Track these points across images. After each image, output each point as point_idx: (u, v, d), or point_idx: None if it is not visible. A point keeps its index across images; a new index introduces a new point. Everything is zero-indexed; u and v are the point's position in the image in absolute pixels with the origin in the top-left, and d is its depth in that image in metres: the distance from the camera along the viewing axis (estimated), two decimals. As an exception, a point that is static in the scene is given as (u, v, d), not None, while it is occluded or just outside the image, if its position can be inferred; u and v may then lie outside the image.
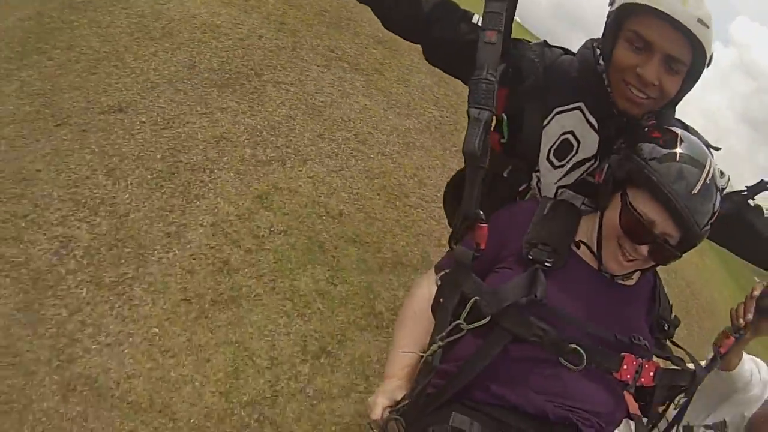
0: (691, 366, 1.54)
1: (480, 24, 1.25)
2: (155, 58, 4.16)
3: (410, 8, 1.48)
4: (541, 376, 1.30)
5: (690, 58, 1.32)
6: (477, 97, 1.18)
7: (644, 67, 1.32)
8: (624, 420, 1.44)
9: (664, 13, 1.25)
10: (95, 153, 3.34)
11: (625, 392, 1.42)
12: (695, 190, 1.26)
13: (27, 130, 3.41)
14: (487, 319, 1.25)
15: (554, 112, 1.50)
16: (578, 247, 1.44)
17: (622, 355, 1.33)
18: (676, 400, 1.51)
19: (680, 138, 1.32)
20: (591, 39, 1.51)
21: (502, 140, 1.52)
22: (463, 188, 1.26)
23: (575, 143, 1.50)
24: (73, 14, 4.43)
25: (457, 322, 1.26)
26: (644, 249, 1.33)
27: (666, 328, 1.50)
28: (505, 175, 1.63)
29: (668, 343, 1.53)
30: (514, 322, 1.28)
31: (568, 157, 1.52)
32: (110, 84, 3.85)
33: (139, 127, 3.60)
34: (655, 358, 1.42)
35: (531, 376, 1.30)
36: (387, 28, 1.56)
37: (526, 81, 1.47)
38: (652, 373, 1.36)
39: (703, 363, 1.57)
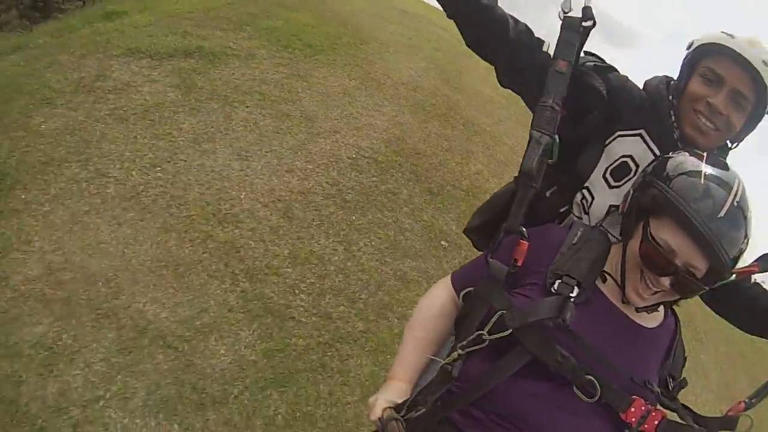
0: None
1: (552, 52, 1.34)
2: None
3: (499, 33, 1.49)
4: (547, 412, 1.28)
5: (754, 96, 1.46)
6: (541, 122, 1.28)
7: (715, 97, 1.45)
8: None
9: (735, 51, 1.42)
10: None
11: None
12: (721, 213, 1.19)
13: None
14: (509, 331, 1.24)
15: (616, 135, 1.56)
16: (604, 281, 1.39)
17: (632, 398, 1.29)
18: None
19: (707, 157, 1.29)
20: (664, 75, 1.64)
21: (549, 161, 1.53)
22: (501, 210, 1.36)
23: (633, 167, 1.55)
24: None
25: (480, 332, 1.26)
26: (666, 281, 1.27)
27: (670, 387, 1.44)
28: (547, 195, 1.66)
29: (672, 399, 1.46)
30: (537, 343, 1.26)
31: (625, 179, 1.57)
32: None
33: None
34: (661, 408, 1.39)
35: (537, 412, 1.28)
36: (469, 46, 1.57)
37: (591, 112, 1.54)
38: (656, 422, 1.30)
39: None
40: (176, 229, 3.49)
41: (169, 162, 3.94)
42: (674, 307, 1.48)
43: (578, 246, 1.39)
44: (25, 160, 3.59)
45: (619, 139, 1.56)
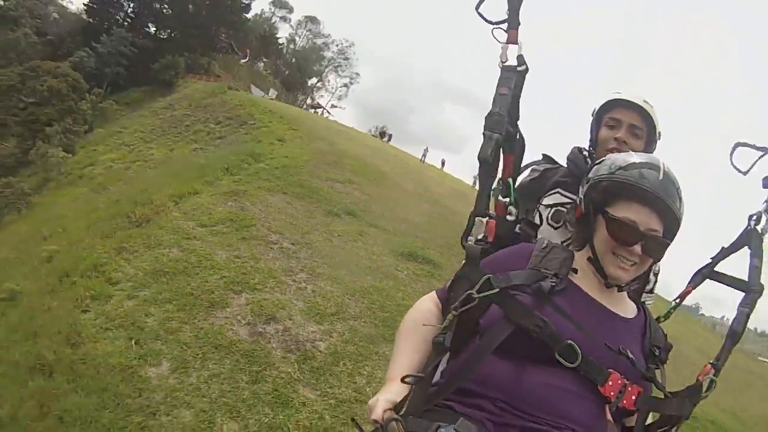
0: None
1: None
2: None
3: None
4: (532, 384, 1.35)
5: (645, 125, 2.02)
6: (491, 124, 1.50)
7: (619, 133, 2.02)
8: None
9: (625, 99, 2.03)
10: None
11: (606, 408, 1.42)
12: (660, 176, 1.44)
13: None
14: (497, 290, 1.35)
15: (541, 199, 2.15)
16: (576, 272, 1.54)
17: (609, 371, 1.38)
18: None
19: (630, 152, 1.60)
20: (574, 147, 2.21)
21: (509, 203, 1.98)
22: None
23: (564, 209, 2.07)
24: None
25: (469, 291, 1.35)
26: (638, 248, 1.45)
27: (657, 353, 1.54)
28: (517, 230, 2.12)
29: (661, 369, 1.56)
30: (517, 311, 1.36)
31: (562, 221, 2.07)
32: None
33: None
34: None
35: (524, 384, 1.35)
36: None
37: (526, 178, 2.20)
38: (634, 397, 1.40)
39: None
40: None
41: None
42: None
43: (547, 250, 1.57)
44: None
45: (544, 199, 2.14)
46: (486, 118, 1.52)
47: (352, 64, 61.12)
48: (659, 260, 1.61)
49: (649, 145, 2.04)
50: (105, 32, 40.30)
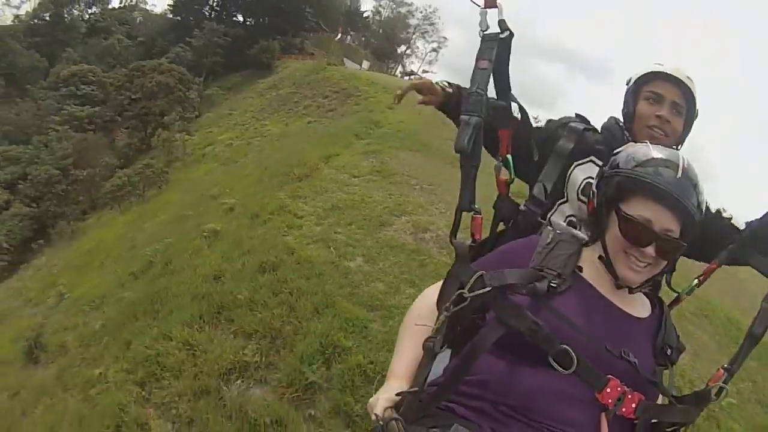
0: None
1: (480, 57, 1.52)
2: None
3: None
4: (531, 387, 1.30)
5: (686, 103, 1.92)
6: (468, 106, 1.42)
7: (661, 111, 1.89)
8: None
9: (668, 74, 1.90)
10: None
11: (602, 417, 1.34)
12: (679, 174, 1.36)
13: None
14: (488, 288, 1.31)
15: (573, 166, 1.99)
16: (581, 270, 1.47)
17: (608, 377, 1.31)
18: None
19: (649, 145, 1.48)
20: (611, 116, 2.07)
21: (509, 180, 1.93)
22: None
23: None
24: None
25: (461, 291, 1.32)
26: (651, 250, 1.37)
27: (669, 353, 1.48)
28: (521, 208, 2.02)
29: (670, 370, 1.50)
30: (510, 312, 1.31)
31: None
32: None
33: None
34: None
35: (523, 386, 1.31)
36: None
37: (558, 144, 1.99)
38: (634, 405, 1.33)
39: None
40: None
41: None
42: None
43: (552, 245, 1.48)
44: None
45: (576, 168, 1.97)
46: (463, 99, 1.47)
47: (438, 29, 62.10)
48: (674, 262, 1.51)
49: (688, 125, 1.97)
50: (196, 27, 43.44)
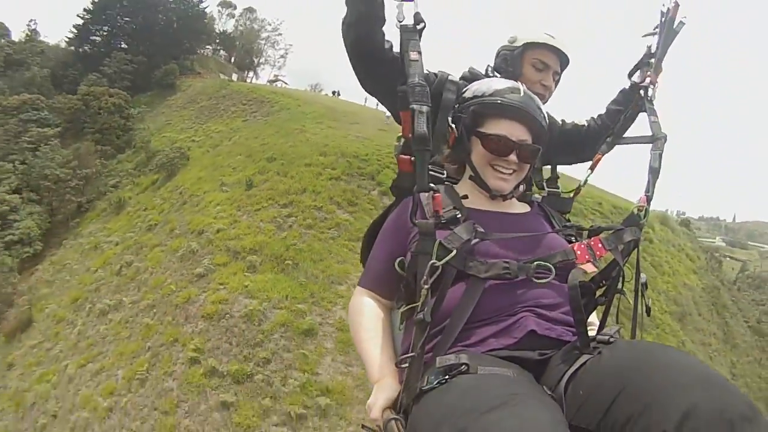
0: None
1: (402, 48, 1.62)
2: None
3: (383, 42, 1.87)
4: (517, 295, 1.48)
5: (561, 70, 2.26)
6: (416, 96, 1.51)
7: (546, 79, 2.19)
8: None
9: (555, 47, 2.17)
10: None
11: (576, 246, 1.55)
12: (521, 93, 1.66)
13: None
14: (454, 252, 1.41)
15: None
16: (466, 198, 1.65)
17: (570, 246, 1.53)
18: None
19: (492, 78, 1.88)
20: (471, 67, 2.23)
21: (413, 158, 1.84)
22: (378, 221, 1.86)
23: None
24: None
25: (432, 261, 1.39)
26: (513, 157, 1.63)
27: (569, 223, 1.82)
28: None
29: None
30: (482, 269, 1.45)
31: None
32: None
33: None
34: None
35: (510, 297, 1.48)
36: (352, 49, 1.85)
37: (443, 98, 2.01)
38: (600, 245, 1.54)
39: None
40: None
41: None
42: None
43: (431, 197, 1.58)
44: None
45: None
46: (409, 91, 1.51)
47: (284, 38, 75.39)
48: (534, 165, 1.76)
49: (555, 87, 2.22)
50: (106, 56, 50.28)
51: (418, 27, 1.60)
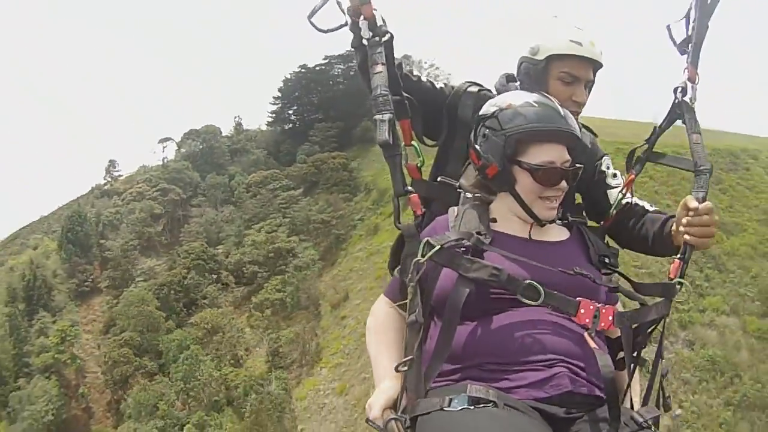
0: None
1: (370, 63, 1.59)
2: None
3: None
4: (506, 335, 1.41)
5: (594, 76, 2.00)
6: (378, 106, 1.52)
7: (576, 93, 1.93)
8: None
9: (586, 57, 1.91)
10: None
11: (585, 336, 1.42)
12: (561, 113, 1.56)
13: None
14: (438, 247, 1.40)
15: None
16: (495, 221, 1.62)
17: (578, 300, 1.40)
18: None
19: (516, 94, 1.65)
20: (505, 74, 2.09)
21: (419, 164, 1.81)
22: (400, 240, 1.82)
23: None
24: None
25: (416, 259, 1.40)
26: (564, 184, 1.56)
27: (608, 261, 1.62)
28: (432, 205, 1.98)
29: (617, 275, 1.62)
30: (468, 266, 1.40)
31: None
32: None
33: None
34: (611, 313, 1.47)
35: (498, 336, 1.41)
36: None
37: (458, 114, 2.03)
38: (610, 317, 1.42)
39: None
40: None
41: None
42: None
43: (460, 216, 1.65)
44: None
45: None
46: (372, 101, 1.53)
47: (443, 70, 79.29)
48: (576, 183, 1.65)
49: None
50: (309, 128, 58.77)
51: (383, 39, 1.60)
